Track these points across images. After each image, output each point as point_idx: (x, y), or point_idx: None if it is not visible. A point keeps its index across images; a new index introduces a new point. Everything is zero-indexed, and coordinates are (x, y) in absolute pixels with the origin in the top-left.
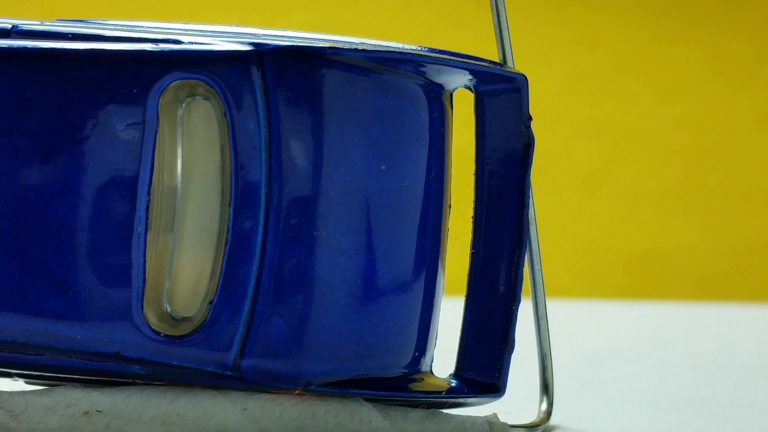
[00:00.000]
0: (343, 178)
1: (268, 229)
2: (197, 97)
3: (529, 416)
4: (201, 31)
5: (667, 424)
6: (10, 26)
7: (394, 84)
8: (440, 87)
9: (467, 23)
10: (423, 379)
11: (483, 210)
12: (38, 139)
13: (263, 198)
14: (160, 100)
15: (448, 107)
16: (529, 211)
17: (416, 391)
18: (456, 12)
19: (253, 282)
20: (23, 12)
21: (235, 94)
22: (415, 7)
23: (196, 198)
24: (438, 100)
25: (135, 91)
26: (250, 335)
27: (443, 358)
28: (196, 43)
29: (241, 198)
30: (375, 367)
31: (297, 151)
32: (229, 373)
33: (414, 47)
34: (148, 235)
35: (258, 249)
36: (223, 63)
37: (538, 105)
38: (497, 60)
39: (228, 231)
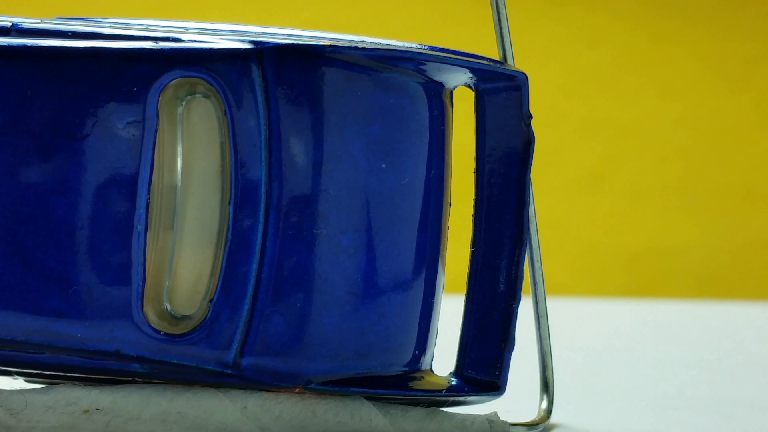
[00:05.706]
0: (343, 176)
1: (268, 228)
2: (197, 96)
3: (530, 415)
4: (201, 29)
5: (667, 422)
6: (9, 24)
7: (394, 82)
8: (440, 85)
9: (467, 21)
10: (423, 378)
11: (483, 208)
12: (38, 138)
13: (263, 196)
14: (160, 99)
15: (449, 105)
16: (530, 209)
17: (416, 390)
18: (456, 10)
19: (253, 280)
20: (23, 10)
21: (235, 93)
22: (415, 5)
23: (196, 196)
24: (438, 98)
25: (135, 89)
26: (250, 333)
27: (443, 357)
28: (196, 41)
29: (241, 196)
30: (375, 366)
31: (297, 149)
32: (229, 372)
33: (414, 45)
34: (148, 234)
35: (258, 247)
36: (223, 61)
37: (538, 103)
38: (497, 58)
39: (228, 229)
